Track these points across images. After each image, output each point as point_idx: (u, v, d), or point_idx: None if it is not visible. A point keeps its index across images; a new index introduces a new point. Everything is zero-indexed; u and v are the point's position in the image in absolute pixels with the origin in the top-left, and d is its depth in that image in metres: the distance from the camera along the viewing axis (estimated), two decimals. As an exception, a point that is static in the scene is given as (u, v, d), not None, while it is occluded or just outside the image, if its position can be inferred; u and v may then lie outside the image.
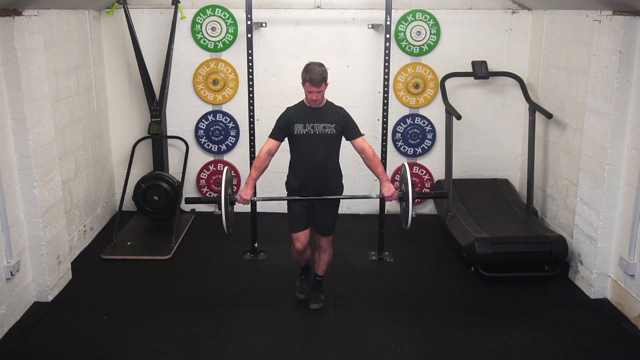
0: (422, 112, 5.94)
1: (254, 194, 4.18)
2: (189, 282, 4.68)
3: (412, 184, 3.97)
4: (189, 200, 4.24)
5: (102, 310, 4.22)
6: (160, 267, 4.93)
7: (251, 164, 5.00)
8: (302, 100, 4.00)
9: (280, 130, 3.98)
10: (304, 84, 3.86)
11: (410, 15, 5.65)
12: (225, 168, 4.06)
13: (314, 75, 3.80)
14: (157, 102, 5.57)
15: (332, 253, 4.30)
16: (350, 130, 3.97)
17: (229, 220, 3.93)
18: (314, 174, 3.98)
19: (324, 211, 4.09)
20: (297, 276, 4.49)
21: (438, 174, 6.01)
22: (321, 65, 3.87)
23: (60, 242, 4.47)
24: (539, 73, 5.52)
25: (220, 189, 3.94)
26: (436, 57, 5.76)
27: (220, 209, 3.91)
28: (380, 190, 4.04)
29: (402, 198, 4.01)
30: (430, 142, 5.98)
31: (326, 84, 3.88)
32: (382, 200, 5.07)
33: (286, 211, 4.20)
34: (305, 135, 3.93)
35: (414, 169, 6.04)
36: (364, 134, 4.02)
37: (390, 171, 5.75)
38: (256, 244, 5.14)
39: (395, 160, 5.94)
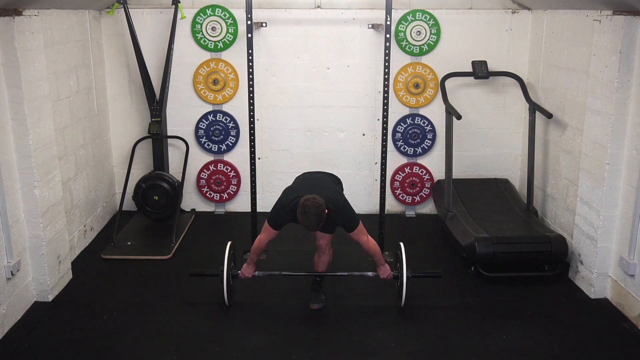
0: (422, 112, 5.94)
1: (255, 270, 4.30)
2: (189, 282, 4.67)
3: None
4: (193, 273, 4.41)
5: (102, 310, 4.22)
6: (160, 267, 4.93)
7: (251, 164, 5.02)
8: (297, 209, 3.76)
9: (279, 224, 4.01)
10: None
11: (411, 15, 5.64)
12: (229, 243, 4.22)
13: (311, 224, 3.70)
14: (157, 102, 5.57)
15: (332, 255, 4.31)
16: (344, 227, 3.99)
17: (230, 294, 4.15)
18: None
19: None
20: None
21: (438, 173, 6.00)
22: (318, 206, 3.67)
23: (61, 242, 4.47)
24: (539, 73, 5.52)
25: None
26: (436, 57, 5.76)
27: (222, 281, 4.11)
28: (377, 270, 4.23)
29: (397, 277, 4.19)
30: (431, 142, 5.98)
31: (324, 218, 3.73)
32: (382, 200, 5.09)
33: None
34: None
35: (414, 168, 6.03)
36: (359, 225, 3.96)
37: (390, 171, 5.76)
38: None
39: (395, 160, 5.95)
